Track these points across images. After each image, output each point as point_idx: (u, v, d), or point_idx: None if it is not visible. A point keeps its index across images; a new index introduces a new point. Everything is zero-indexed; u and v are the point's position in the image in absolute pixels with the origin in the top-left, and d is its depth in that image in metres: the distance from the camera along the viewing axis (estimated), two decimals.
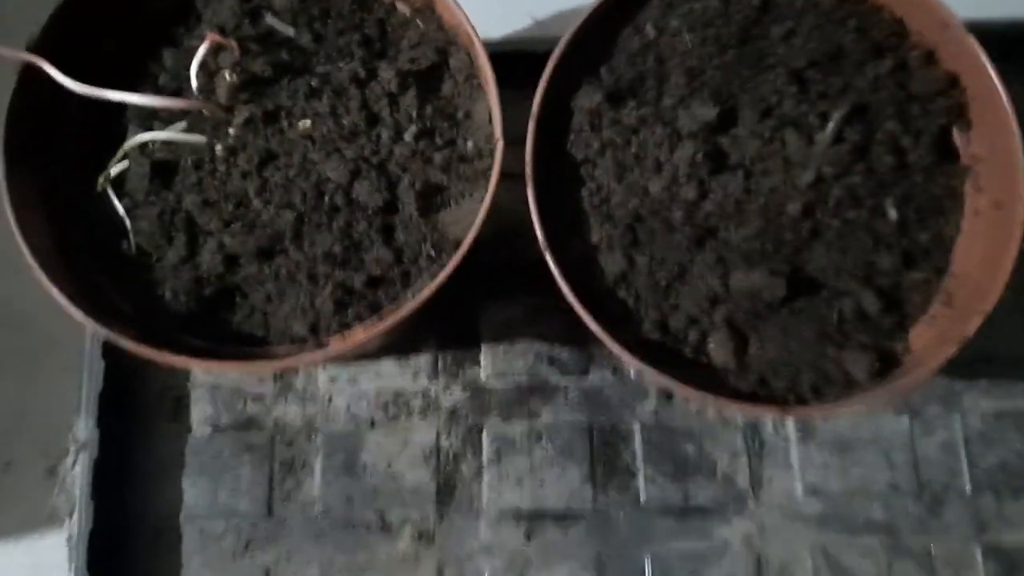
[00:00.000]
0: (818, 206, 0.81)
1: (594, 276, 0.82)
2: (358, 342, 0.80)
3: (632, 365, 0.77)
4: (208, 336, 0.83)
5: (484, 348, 1.11)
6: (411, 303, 0.79)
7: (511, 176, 0.81)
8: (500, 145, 0.81)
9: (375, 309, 0.84)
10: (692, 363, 0.81)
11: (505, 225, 0.91)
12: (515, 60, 0.89)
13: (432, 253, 0.83)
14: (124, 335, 0.76)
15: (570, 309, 0.76)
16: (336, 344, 0.81)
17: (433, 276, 0.82)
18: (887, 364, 0.80)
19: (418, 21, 0.90)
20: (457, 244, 0.83)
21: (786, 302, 0.80)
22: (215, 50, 0.84)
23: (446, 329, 1.11)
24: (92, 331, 1.03)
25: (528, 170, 0.80)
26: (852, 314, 0.80)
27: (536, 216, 0.79)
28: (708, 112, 0.81)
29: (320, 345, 0.82)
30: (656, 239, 0.81)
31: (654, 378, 0.77)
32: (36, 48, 0.81)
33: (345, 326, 0.83)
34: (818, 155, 0.80)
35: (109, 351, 1.03)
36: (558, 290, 0.78)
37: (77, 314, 0.76)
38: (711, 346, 0.81)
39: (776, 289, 0.79)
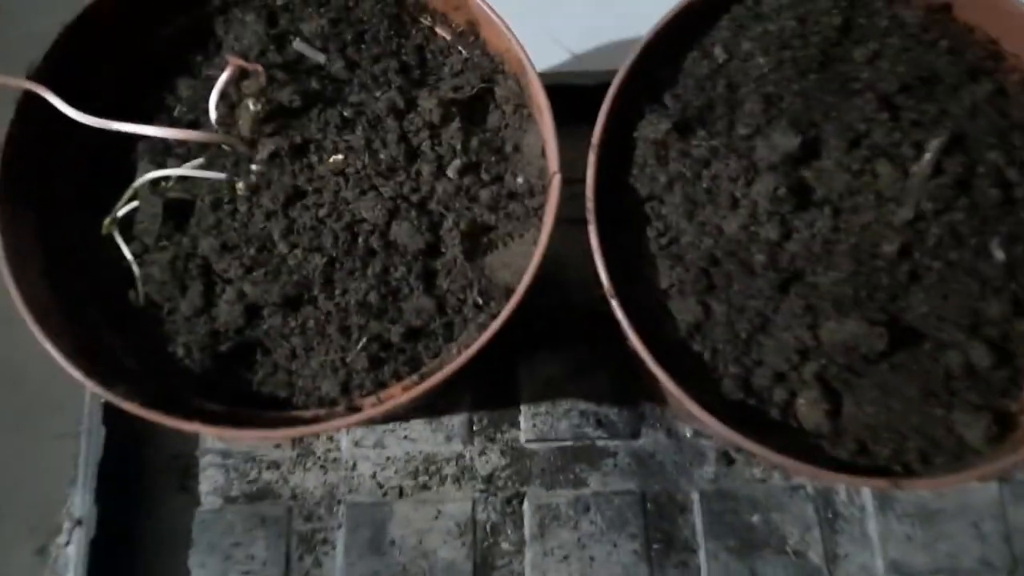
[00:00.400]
0: (916, 246, 0.71)
1: (664, 326, 0.72)
2: (396, 404, 0.69)
3: (716, 430, 0.67)
4: (224, 398, 0.73)
5: (524, 408, 1.01)
6: (458, 359, 0.69)
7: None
8: (558, 179, 0.72)
9: (415, 366, 0.74)
10: (779, 426, 0.71)
11: (546, 270, 0.82)
12: (562, 93, 0.80)
13: (479, 301, 0.74)
14: (129, 398, 0.66)
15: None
16: (370, 407, 0.71)
17: (481, 327, 0.72)
18: (1002, 426, 0.70)
19: (460, 47, 0.81)
20: (508, 291, 0.73)
21: (884, 356, 0.70)
22: (238, 78, 0.75)
23: (482, 386, 1.01)
24: (93, 393, 0.94)
25: (590, 206, 0.71)
26: (959, 369, 0.70)
27: (600, 258, 0.70)
28: (790, 142, 0.72)
29: (352, 408, 0.72)
30: (734, 284, 0.72)
31: (740, 444, 0.67)
32: (38, 76, 0.73)
33: (380, 385, 0.73)
34: (915, 189, 0.71)
35: (111, 415, 0.93)
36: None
37: (76, 373, 0.66)
38: (800, 407, 0.71)
39: (875, 341, 0.69)
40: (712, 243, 0.73)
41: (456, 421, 1.00)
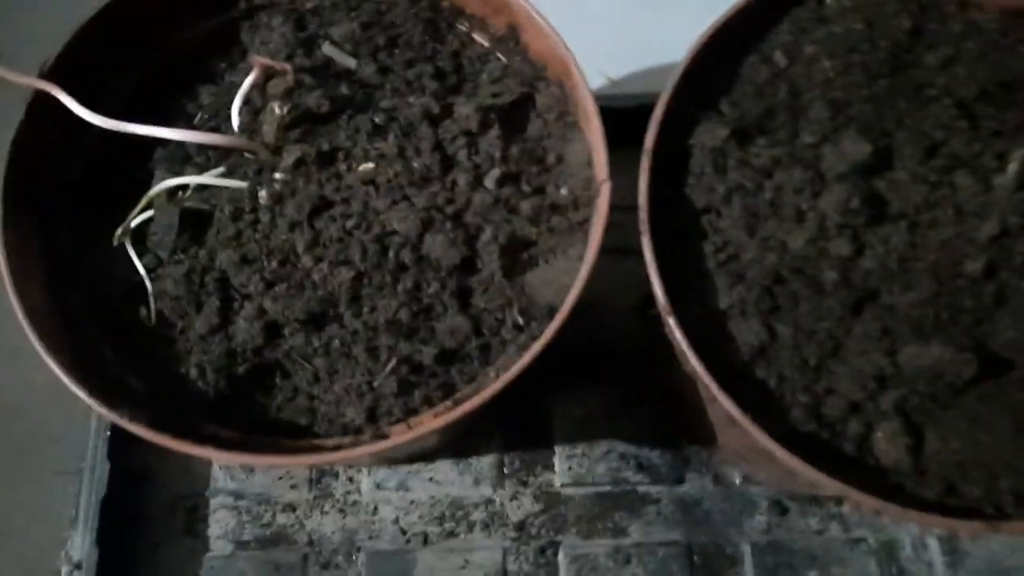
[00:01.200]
0: (1002, 265, 0.65)
1: (724, 350, 0.66)
2: (427, 432, 0.63)
3: (790, 465, 0.60)
4: (239, 424, 0.66)
5: (558, 449, 0.94)
6: (496, 383, 0.62)
7: None
8: (607, 187, 0.66)
9: (448, 391, 0.67)
10: (854, 462, 0.64)
11: (582, 300, 0.75)
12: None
13: (519, 321, 0.67)
14: (136, 420, 0.60)
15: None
16: (399, 434, 0.64)
17: (521, 350, 0.66)
18: None
19: (498, 53, 0.77)
20: (550, 310, 0.67)
21: (971, 385, 0.63)
22: (263, 81, 0.70)
23: (513, 425, 0.94)
24: (97, 420, 0.87)
25: (643, 216, 0.65)
26: None
27: (655, 273, 0.64)
28: (861, 150, 0.66)
29: (379, 435, 0.65)
30: (801, 305, 0.65)
31: (816, 481, 0.59)
32: (51, 75, 0.68)
33: (410, 412, 0.66)
34: (999, 203, 0.65)
35: (117, 450, 0.86)
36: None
37: (78, 392, 0.60)
38: (878, 440, 0.63)
39: (963, 368, 0.62)
40: (776, 260, 0.66)
41: (485, 463, 0.93)
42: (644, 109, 0.69)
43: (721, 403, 0.62)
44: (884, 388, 0.64)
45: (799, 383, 0.65)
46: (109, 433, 0.86)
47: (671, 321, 0.63)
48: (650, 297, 0.70)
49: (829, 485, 0.60)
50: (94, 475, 0.86)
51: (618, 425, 0.94)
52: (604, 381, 0.95)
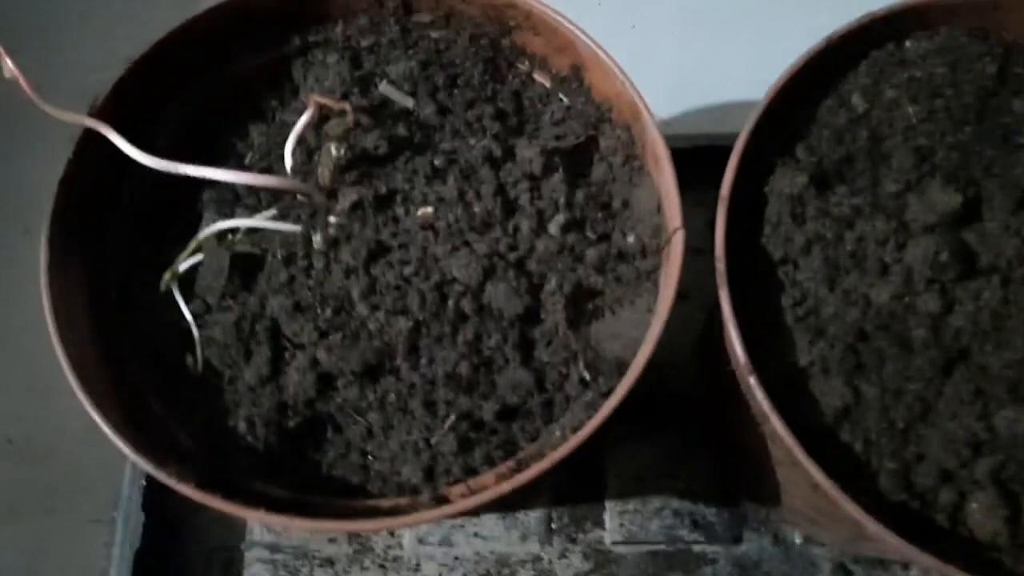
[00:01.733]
0: None
1: (804, 410, 0.62)
2: (492, 496, 0.59)
3: (882, 538, 0.55)
4: (288, 482, 0.63)
5: (609, 504, 0.90)
6: (566, 443, 0.59)
7: None
8: (680, 235, 0.63)
9: (509, 450, 0.64)
10: (946, 534, 0.59)
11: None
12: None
13: (586, 376, 0.64)
14: (183, 479, 0.56)
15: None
16: (459, 497, 0.61)
17: (589, 407, 0.62)
18: None
19: (560, 94, 0.74)
20: (619, 365, 0.63)
21: None
22: (318, 121, 0.68)
23: (562, 479, 0.90)
24: (132, 467, 0.84)
25: (720, 267, 0.61)
26: None
27: (734, 330, 0.60)
28: (950, 200, 0.62)
29: (439, 498, 0.61)
30: (887, 364, 0.62)
31: (912, 558, 0.55)
32: (100, 113, 0.66)
33: (470, 472, 0.63)
34: None
35: (152, 499, 0.83)
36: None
37: (124, 448, 0.56)
38: (973, 512, 0.59)
39: None
40: (859, 315, 0.63)
41: (533, 518, 0.89)
42: (698, 151, 0.66)
43: (806, 469, 0.58)
44: (978, 455, 0.60)
45: (886, 448, 0.61)
46: (145, 482, 0.83)
47: (752, 381, 0.59)
48: (720, 351, 0.67)
49: (924, 561, 0.56)
50: (128, 525, 0.83)
51: (672, 479, 0.90)
52: (657, 432, 0.91)
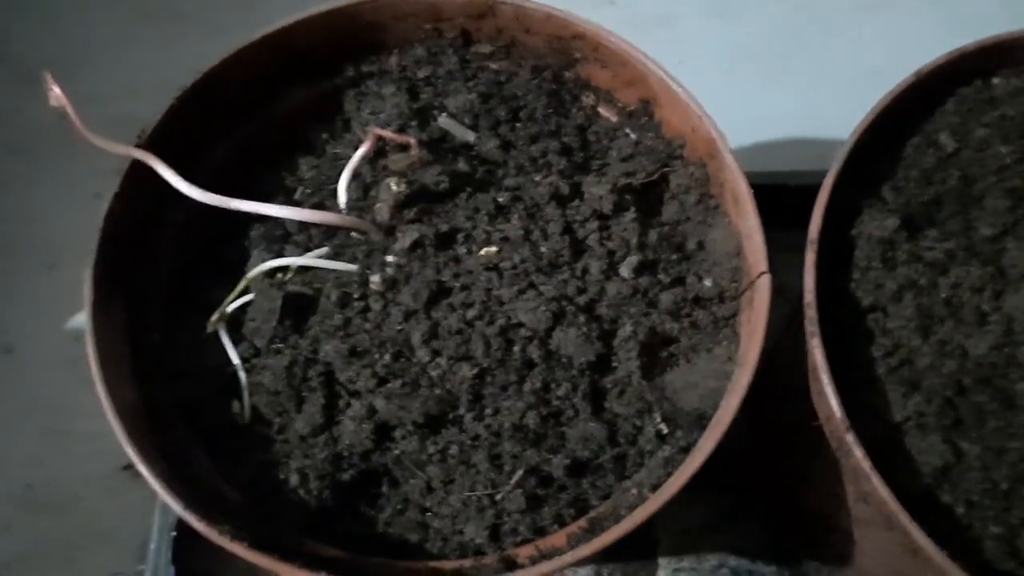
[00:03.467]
0: None
1: (900, 469, 0.57)
2: (569, 562, 0.54)
3: None
4: (340, 541, 0.58)
5: (663, 561, 0.86)
6: (649, 503, 0.55)
7: None
8: (767, 281, 0.59)
9: (580, 508, 0.59)
10: None
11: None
12: None
13: (663, 429, 0.60)
14: (237, 538, 0.52)
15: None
16: (529, 561, 0.56)
17: (668, 463, 0.58)
18: None
19: (628, 129, 0.70)
20: (699, 418, 0.59)
21: None
22: (376, 155, 0.64)
23: None
24: (161, 518, 0.79)
25: (811, 315, 0.57)
26: None
27: (829, 383, 0.56)
28: None
29: (507, 562, 0.56)
30: (988, 420, 0.57)
31: None
32: (148, 144, 0.62)
33: (538, 531, 0.58)
34: None
35: (183, 553, 0.78)
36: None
37: (176, 505, 0.52)
38: None
39: None
40: (956, 367, 0.59)
41: (582, 573, 0.84)
42: (760, 189, 0.62)
43: (905, 533, 0.53)
44: None
45: (990, 510, 0.56)
46: (175, 533, 0.78)
47: (849, 438, 0.55)
48: (805, 405, 0.62)
49: None
50: None
51: (728, 537, 0.85)
52: (712, 486, 0.86)
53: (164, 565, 0.77)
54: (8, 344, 0.93)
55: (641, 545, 0.85)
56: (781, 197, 0.68)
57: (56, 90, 0.57)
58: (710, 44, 1.11)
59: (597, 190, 0.64)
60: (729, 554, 0.84)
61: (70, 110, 0.58)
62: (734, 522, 0.86)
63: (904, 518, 0.53)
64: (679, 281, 0.64)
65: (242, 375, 0.61)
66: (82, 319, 0.93)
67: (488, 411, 0.59)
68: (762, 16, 1.13)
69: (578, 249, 0.64)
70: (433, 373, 0.60)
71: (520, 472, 0.59)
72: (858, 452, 0.54)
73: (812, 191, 0.62)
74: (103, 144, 0.58)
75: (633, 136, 0.70)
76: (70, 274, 0.96)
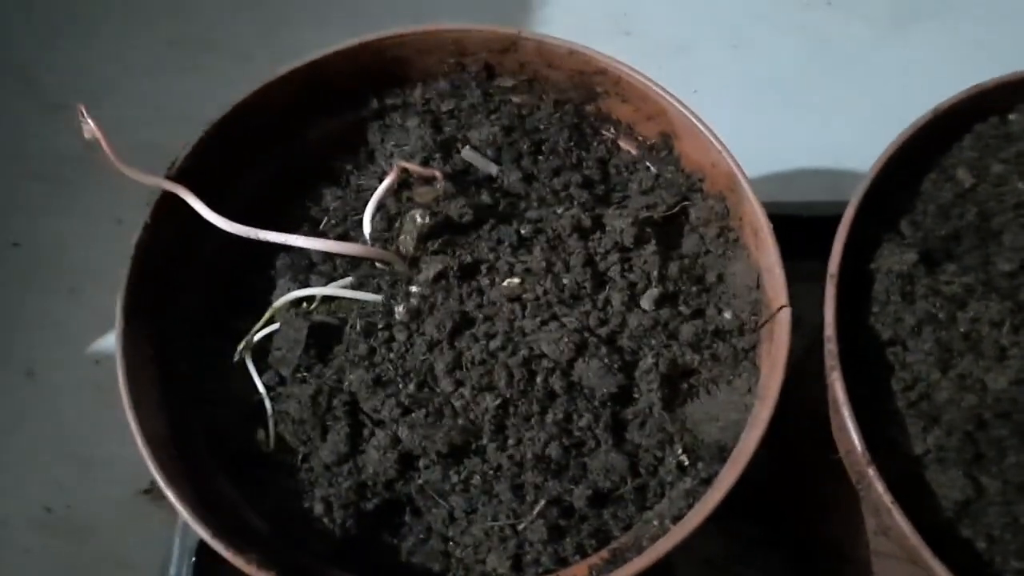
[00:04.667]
0: None
1: (920, 503, 0.58)
2: None
3: None
4: (364, 569, 0.59)
5: None
6: (673, 535, 0.55)
7: None
8: (787, 314, 0.60)
9: (602, 540, 0.60)
10: None
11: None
12: None
13: (683, 461, 0.60)
14: (265, 567, 0.52)
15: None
16: None
17: (689, 495, 0.58)
18: None
19: (648, 163, 0.71)
20: (720, 450, 0.60)
21: None
22: (399, 186, 0.65)
23: None
24: (181, 543, 0.79)
25: (832, 349, 0.58)
26: None
27: (850, 418, 0.56)
28: None
29: None
30: (1009, 454, 0.58)
31: None
32: (179, 176, 0.63)
33: (561, 561, 0.59)
34: None
35: None
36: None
37: (204, 533, 0.53)
38: None
39: None
40: (976, 401, 0.59)
41: None
42: (774, 219, 0.63)
43: (928, 569, 0.54)
44: None
45: (1011, 545, 0.56)
46: (195, 559, 0.78)
47: (871, 472, 0.55)
48: (824, 438, 0.63)
49: None
50: None
51: (747, 569, 0.85)
52: (730, 520, 0.86)
53: None
54: (30, 368, 0.94)
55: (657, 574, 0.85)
56: (795, 227, 0.69)
57: (91, 123, 0.59)
58: (725, 74, 1.12)
59: (618, 223, 0.65)
60: None
61: (103, 143, 0.59)
62: (756, 552, 0.86)
63: (926, 553, 0.54)
64: (699, 313, 0.65)
65: (268, 403, 0.62)
66: (104, 344, 0.95)
67: (511, 441, 0.60)
68: (778, 46, 1.14)
69: (600, 281, 0.65)
70: (456, 403, 0.60)
71: (542, 502, 0.59)
72: (879, 486, 0.55)
73: (826, 221, 0.63)
74: (135, 175, 0.60)
75: (653, 169, 0.71)
76: (92, 299, 0.99)
